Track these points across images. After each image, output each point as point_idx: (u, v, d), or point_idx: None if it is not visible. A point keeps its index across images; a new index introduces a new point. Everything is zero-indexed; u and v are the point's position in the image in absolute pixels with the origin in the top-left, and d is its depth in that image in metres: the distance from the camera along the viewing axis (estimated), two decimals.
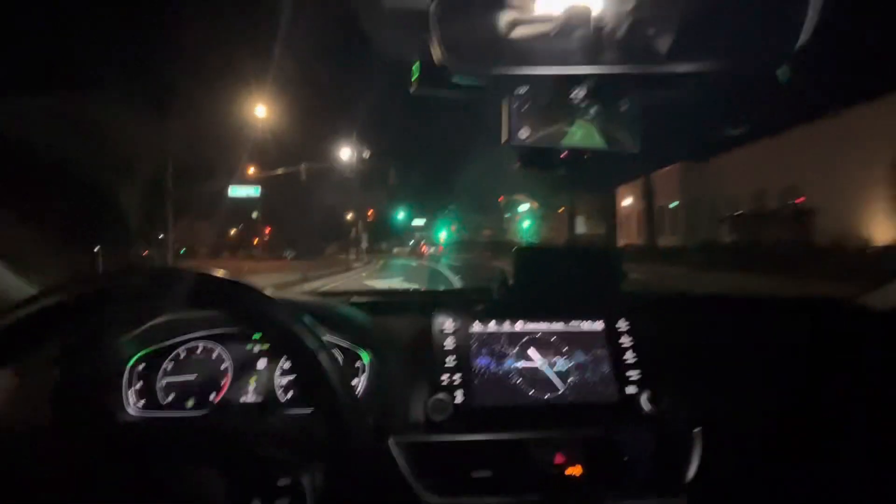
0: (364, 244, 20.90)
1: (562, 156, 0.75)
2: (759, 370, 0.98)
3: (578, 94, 0.68)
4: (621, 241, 19.71)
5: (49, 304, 0.47)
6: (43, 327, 0.48)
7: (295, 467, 0.55)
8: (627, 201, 21.66)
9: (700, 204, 17.30)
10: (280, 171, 15.71)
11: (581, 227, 23.34)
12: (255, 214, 24.17)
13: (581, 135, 0.75)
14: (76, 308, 0.48)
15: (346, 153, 16.25)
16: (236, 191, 15.89)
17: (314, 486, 0.54)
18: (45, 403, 0.74)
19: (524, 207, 27.52)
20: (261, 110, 14.44)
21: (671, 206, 18.87)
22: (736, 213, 14.70)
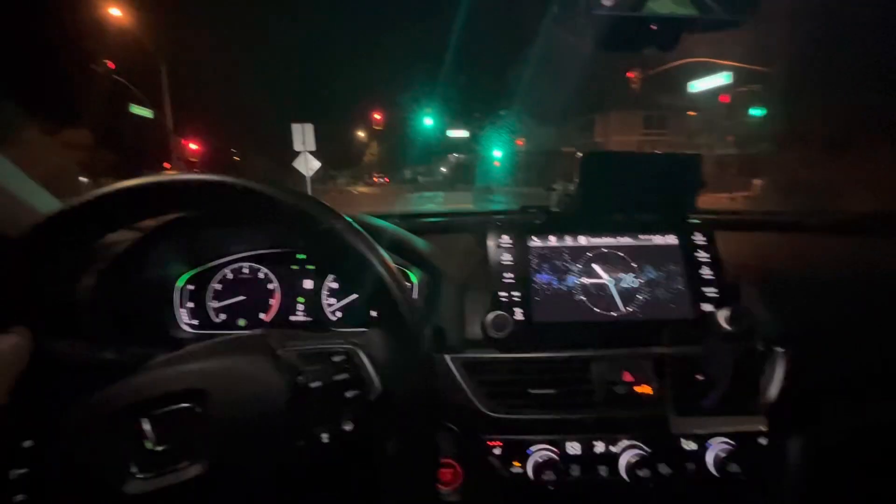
0: (310, 167, 7.38)
1: (652, 27, 0.62)
2: (846, 290, 0.88)
3: None
4: None
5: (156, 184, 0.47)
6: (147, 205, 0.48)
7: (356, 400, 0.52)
8: None
9: None
10: None
11: None
12: (139, 109, 11.97)
13: None
14: (170, 195, 0.48)
15: None
16: None
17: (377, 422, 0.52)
18: (102, 315, 0.74)
19: (715, 81, 13.21)
20: None
21: None
22: None
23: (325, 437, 0.49)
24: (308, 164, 7.32)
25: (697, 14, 0.61)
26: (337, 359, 0.53)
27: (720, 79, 13.26)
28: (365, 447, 0.52)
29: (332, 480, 0.51)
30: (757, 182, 9.75)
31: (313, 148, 7.27)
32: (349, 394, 0.51)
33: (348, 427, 0.50)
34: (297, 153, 7.20)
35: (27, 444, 0.43)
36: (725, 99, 13.61)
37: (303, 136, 7.26)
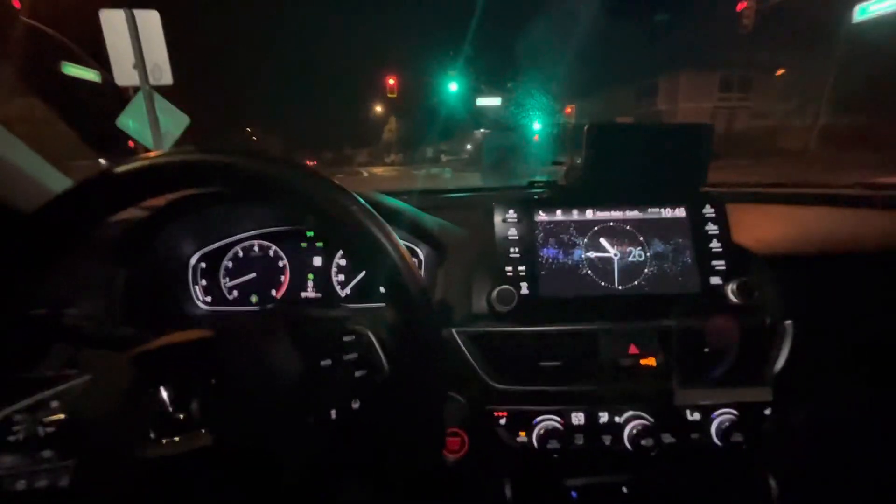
0: (165, 132, 2.41)
1: None
2: (855, 264, 0.86)
3: None
4: None
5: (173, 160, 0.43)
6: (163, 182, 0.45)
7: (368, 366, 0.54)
8: None
9: None
10: None
11: None
12: (78, 70, 4.28)
13: None
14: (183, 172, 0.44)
15: None
16: None
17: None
18: (117, 291, 0.76)
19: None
20: None
21: None
22: None
23: (333, 414, 0.51)
24: (159, 122, 2.79)
25: None
26: (348, 339, 0.55)
27: None
28: (372, 424, 0.54)
29: (339, 454, 0.53)
30: None
31: (169, 79, 2.73)
32: (358, 373, 0.53)
33: (356, 405, 0.52)
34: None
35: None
36: None
37: (135, 47, 2.60)
